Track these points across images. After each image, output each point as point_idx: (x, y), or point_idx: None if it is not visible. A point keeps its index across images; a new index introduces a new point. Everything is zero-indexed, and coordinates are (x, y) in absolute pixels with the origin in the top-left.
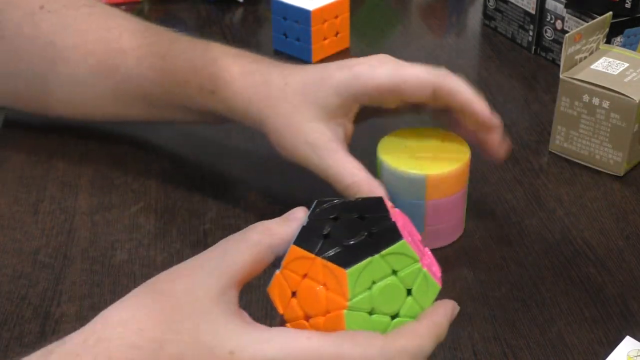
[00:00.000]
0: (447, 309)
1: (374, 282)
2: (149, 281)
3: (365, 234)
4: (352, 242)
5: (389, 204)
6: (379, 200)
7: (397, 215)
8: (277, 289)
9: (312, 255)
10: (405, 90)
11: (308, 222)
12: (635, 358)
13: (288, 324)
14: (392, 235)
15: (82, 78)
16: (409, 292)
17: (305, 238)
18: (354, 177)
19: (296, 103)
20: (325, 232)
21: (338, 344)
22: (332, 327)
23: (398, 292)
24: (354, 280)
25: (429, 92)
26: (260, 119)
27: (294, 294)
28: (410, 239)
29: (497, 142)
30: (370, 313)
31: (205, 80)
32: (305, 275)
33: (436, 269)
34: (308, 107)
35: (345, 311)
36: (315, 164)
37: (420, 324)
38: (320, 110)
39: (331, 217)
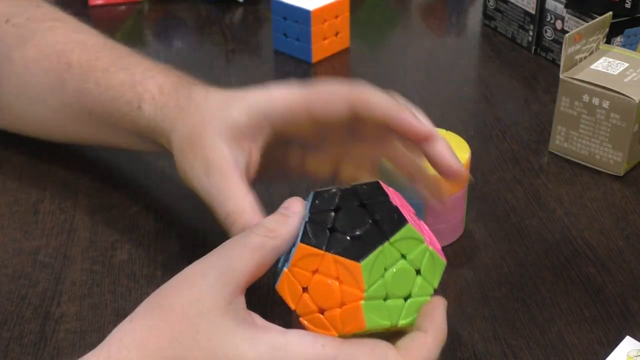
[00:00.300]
0: (443, 310)
1: (385, 269)
2: (153, 295)
3: (370, 221)
4: (358, 233)
5: (384, 185)
6: (376, 183)
7: (393, 196)
8: (287, 286)
9: (322, 252)
10: (318, 106)
11: (310, 217)
12: (635, 358)
13: (302, 318)
14: (398, 220)
15: (34, 93)
16: (417, 272)
17: (310, 234)
18: (237, 204)
19: (206, 117)
20: (329, 226)
21: (353, 355)
22: (350, 318)
23: (409, 274)
24: (368, 271)
25: (345, 107)
26: (169, 132)
27: (304, 289)
28: (409, 218)
29: (445, 154)
30: (385, 299)
31: (135, 95)
32: (315, 271)
33: (436, 242)
34: (216, 122)
35: (362, 302)
36: (204, 186)
37: (427, 335)
38: (227, 128)
39: (332, 208)
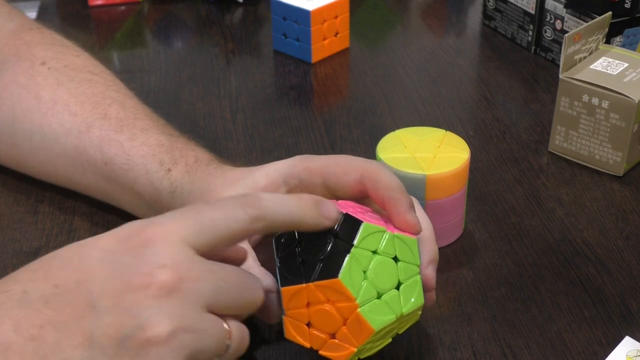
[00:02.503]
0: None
1: (364, 272)
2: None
3: (331, 238)
4: (327, 252)
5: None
6: None
7: (344, 205)
8: (293, 330)
9: (303, 285)
10: (335, 171)
11: (280, 261)
12: (634, 358)
13: (321, 351)
14: (353, 224)
15: (50, 132)
16: (395, 259)
17: (287, 276)
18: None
19: (228, 179)
20: (299, 260)
21: None
22: (356, 329)
23: (388, 265)
24: (349, 281)
25: (356, 178)
26: (189, 192)
27: (308, 325)
28: (365, 217)
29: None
30: (379, 297)
31: (170, 158)
32: (307, 305)
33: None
34: (236, 183)
35: (359, 310)
36: None
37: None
38: (244, 187)
39: (295, 244)
